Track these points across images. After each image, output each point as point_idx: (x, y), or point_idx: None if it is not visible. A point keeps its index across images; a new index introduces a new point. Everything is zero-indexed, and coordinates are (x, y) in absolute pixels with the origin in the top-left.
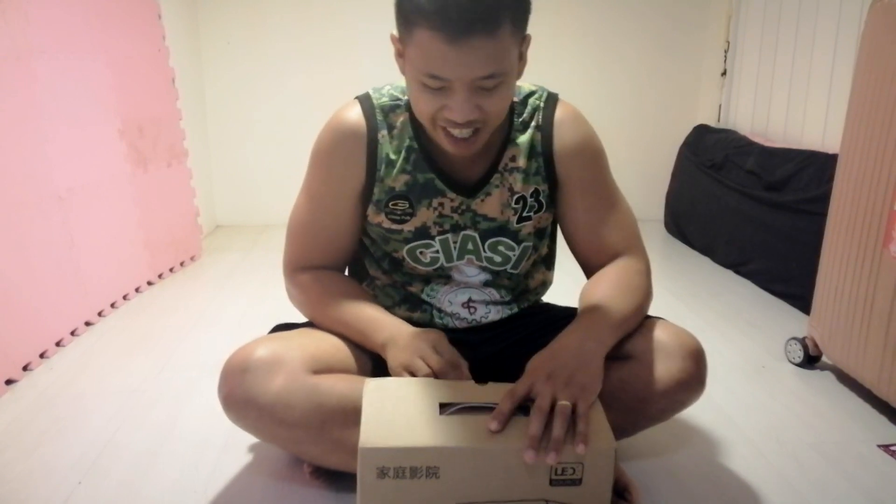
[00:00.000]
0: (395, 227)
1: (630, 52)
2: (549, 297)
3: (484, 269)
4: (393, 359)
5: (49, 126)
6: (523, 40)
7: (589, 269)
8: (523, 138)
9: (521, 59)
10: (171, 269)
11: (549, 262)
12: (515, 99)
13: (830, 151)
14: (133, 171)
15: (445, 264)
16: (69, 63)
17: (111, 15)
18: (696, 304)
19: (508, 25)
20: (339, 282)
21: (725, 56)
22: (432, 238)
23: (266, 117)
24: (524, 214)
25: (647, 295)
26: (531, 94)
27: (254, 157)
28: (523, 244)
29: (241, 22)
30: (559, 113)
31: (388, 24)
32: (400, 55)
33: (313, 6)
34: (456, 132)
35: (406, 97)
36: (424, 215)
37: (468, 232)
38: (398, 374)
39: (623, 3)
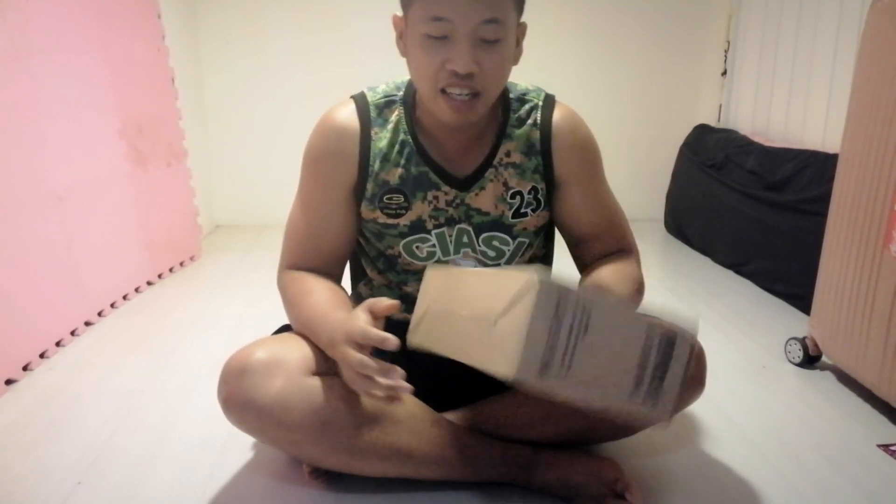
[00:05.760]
0: (390, 221)
1: (630, 51)
2: None
3: (480, 262)
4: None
5: (48, 125)
6: (519, 26)
7: (583, 266)
8: (520, 133)
9: (518, 45)
10: (170, 269)
11: (547, 264)
12: (511, 96)
13: (831, 151)
14: (132, 171)
15: (442, 258)
16: (68, 62)
17: (110, 14)
18: (697, 303)
19: None
20: (314, 282)
21: (726, 55)
22: (428, 232)
23: (265, 117)
24: (521, 211)
25: (641, 284)
26: (528, 91)
27: (253, 156)
28: (518, 240)
29: (241, 21)
30: (558, 113)
31: (387, 23)
32: (401, 37)
33: (312, 5)
34: (456, 91)
35: (401, 92)
36: (420, 209)
37: (462, 226)
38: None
39: (623, 2)
